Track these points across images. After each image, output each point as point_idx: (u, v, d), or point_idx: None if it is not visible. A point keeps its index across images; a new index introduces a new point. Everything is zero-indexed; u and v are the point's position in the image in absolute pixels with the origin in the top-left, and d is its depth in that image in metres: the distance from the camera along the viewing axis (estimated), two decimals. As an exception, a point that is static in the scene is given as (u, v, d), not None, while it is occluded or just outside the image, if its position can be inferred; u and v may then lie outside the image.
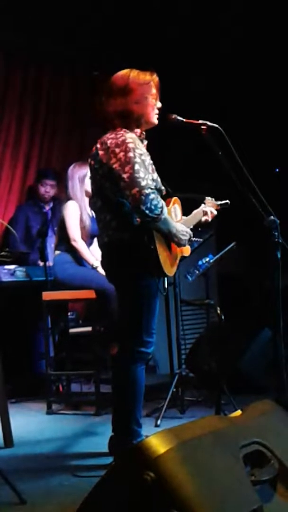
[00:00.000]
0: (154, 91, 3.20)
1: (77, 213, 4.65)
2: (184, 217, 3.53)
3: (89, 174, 4.60)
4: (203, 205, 3.60)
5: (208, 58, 6.05)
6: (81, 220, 4.66)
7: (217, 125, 3.17)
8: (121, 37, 5.70)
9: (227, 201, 3.65)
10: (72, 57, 6.06)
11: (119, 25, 5.62)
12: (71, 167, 4.75)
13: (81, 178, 4.67)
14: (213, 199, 3.71)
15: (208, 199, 3.70)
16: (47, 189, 5.52)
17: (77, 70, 6.18)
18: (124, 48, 5.67)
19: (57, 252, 4.71)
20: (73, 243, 4.63)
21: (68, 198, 4.70)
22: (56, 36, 5.65)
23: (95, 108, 5.73)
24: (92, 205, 3.37)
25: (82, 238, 4.67)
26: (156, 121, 3.25)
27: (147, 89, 3.17)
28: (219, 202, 3.71)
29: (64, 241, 4.67)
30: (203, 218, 3.54)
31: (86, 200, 4.66)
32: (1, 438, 3.62)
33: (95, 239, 4.79)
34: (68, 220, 4.64)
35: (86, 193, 4.66)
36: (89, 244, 4.74)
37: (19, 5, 5.18)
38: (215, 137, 3.14)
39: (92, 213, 4.72)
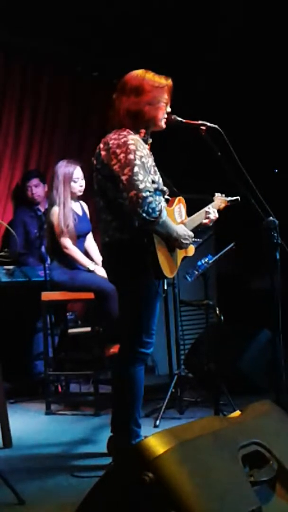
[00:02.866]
0: (166, 96, 3.20)
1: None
2: (188, 217, 3.51)
3: (79, 174, 4.62)
4: (207, 206, 3.58)
5: (208, 57, 6.05)
6: (65, 224, 4.54)
7: (216, 126, 3.17)
8: (121, 37, 5.69)
9: (238, 197, 3.61)
10: (72, 57, 6.05)
11: (119, 25, 5.62)
12: (58, 164, 4.66)
13: (66, 177, 4.59)
14: (223, 195, 3.69)
15: (218, 195, 3.68)
16: (33, 190, 5.48)
17: (77, 70, 6.17)
18: (124, 48, 5.67)
19: (51, 257, 4.68)
20: (65, 250, 4.56)
21: (53, 201, 4.60)
22: (56, 36, 5.65)
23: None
24: (95, 205, 3.37)
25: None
26: (163, 126, 3.25)
27: (160, 92, 3.17)
28: (229, 198, 3.67)
29: (56, 249, 4.61)
30: (204, 221, 3.52)
31: (68, 199, 4.58)
32: (0, 439, 3.62)
33: (89, 236, 4.78)
34: (56, 228, 4.55)
35: (72, 194, 4.61)
36: (81, 243, 4.69)
37: (19, 5, 5.18)
38: (214, 137, 3.14)
39: (79, 211, 4.69)
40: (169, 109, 3.25)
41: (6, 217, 5.65)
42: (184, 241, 3.22)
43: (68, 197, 4.58)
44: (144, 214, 2.97)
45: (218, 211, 3.62)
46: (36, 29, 5.48)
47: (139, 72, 3.21)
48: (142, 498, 1.68)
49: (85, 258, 4.62)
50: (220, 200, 3.66)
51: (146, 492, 1.67)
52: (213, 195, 3.70)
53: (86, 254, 4.74)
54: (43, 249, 4.93)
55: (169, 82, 3.22)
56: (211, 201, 3.67)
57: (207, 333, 4.94)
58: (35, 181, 5.48)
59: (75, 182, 4.60)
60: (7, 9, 5.14)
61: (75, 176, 4.60)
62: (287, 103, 5.97)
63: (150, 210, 2.97)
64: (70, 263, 4.59)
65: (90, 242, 4.84)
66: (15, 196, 5.73)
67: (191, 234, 3.29)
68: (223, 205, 3.67)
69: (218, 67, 6.12)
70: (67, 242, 4.55)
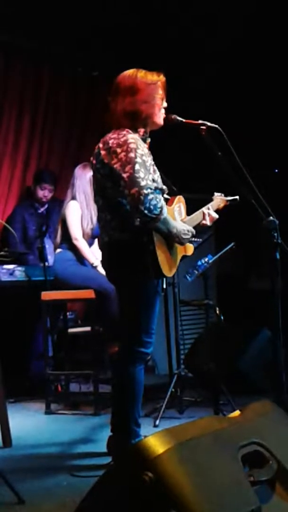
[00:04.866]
0: (161, 91, 3.21)
1: (78, 213, 4.67)
2: (188, 216, 3.52)
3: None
4: (206, 206, 3.58)
5: (207, 57, 6.05)
6: (83, 220, 4.66)
7: (216, 126, 3.17)
8: (121, 37, 5.70)
9: (237, 196, 3.63)
10: (72, 57, 6.05)
11: (119, 25, 5.62)
12: (80, 167, 4.77)
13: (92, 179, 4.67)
14: (222, 194, 3.69)
15: (217, 194, 3.69)
16: (46, 193, 5.54)
17: (77, 70, 6.17)
18: (124, 48, 5.67)
19: (59, 250, 4.73)
20: (75, 241, 4.66)
21: (73, 197, 4.70)
22: (56, 36, 5.65)
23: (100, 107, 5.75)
24: (95, 204, 3.38)
25: (84, 237, 4.68)
26: (161, 122, 3.26)
27: (154, 89, 3.18)
28: (228, 198, 3.68)
29: (66, 240, 4.69)
30: (203, 221, 3.52)
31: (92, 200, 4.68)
32: (0, 438, 3.62)
33: (96, 240, 4.83)
34: (69, 219, 4.66)
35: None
36: (90, 244, 4.75)
37: (19, 5, 5.18)
38: (215, 137, 3.14)
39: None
40: (165, 104, 3.25)
41: (6, 216, 5.66)
42: (184, 236, 3.22)
43: (91, 196, 4.66)
44: (146, 211, 2.97)
45: (218, 210, 3.63)
46: (36, 29, 5.48)
47: (130, 72, 3.22)
48: (141, 497, 1.68)
49: (90, 253, 4.70)
50: (219, 199, 3.67)
51: (145, 491, 1.67)
52: (213, 195, 3.70)
53: None
54: (45, 245, 4.97)
55: (162, 77, 3.22)
56: (211, 200, 3.67)
57: (207, 333, 4.95)
58: (49, 186, 5.53)
59: None
60: (7, 9, 5.14)
61: None
62: (287, 103, 5.97)
63: (152, 207, 2.97)
64: (78, 254, 4.67)
65: (96, 247, 4.87)
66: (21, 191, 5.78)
67: (190, 228, 3.29)
68: (222, 204, 3.68)
69: (218, 67, 6.12)
70: (78, 234, 4.64)
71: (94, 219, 4.65)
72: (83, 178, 4.69)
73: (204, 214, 3.52)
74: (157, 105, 3.21)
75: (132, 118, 3.16)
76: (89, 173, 4.66)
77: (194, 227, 3.43)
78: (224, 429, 1.94)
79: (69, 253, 4.69)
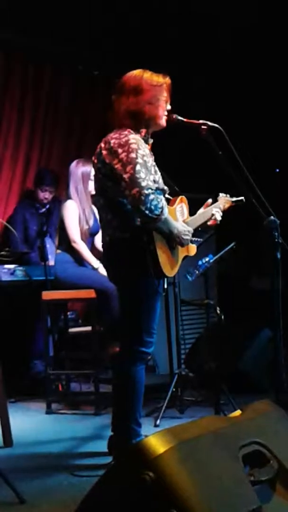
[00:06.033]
0: (165, 94, 3.21)
1: (76, 213, 4.65)
2: (190, 217, 3.51)
3: (93, 173, 4.65)
4: (213, 206, 3.57)
5: (208, 57, 6.05)
6: (80, 220, 4.65)
7: (217, 125, 3.17)
8: (121, 37, 5.70)
9: (242, 197, 3.61)
10: (72, 57, 6.05)
11: (119, 25, 5.62)
12: (74, 163, 4.75)
13: (85, 176, 4.66)
14: (228, 195, 3.68)
15: (222, 195, 3.67)
16: (46, 195, 5.53)
17: (77, 70, 6.17)
18: (124, 47, 5.68)
19: (58, 251, 4.73)
20: (73, 244, 4.64)
21: (68, 197, 4.69)
22: (56, 36, 5.65)
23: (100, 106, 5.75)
24: (95, 203, 3.37)
25: (82, 238, 4.66)
26: (164, 124, 3.25)
27: (159, 91, 3.18)
28: (234, 199, 3.66)
29: (65, 242, 4.68)
30: (209, 222, 3.51)
31: (88, 197, 4.66)
32: (1, 438, 3.62)
33: (96, 236, 4.82)
34: (67, 222, 4.63)
35: (89, 192, 4.66)
36: (89, 242, 4.74)
37: (19, 5, 5.18)
38: (216, 137, 3.14)
39: (94, 210, 4.73)
40: (169, 107, 3.25)
41: (7, 217, 5.66)
42: (185, 237, 3.22)
43: (88, 195, 4.65)
44: (146, 211, 2.97)
45: (222, 211, 3.62)
46: (37, 28, 5.49)
47: (136, 72, 3.22)
48: (142, 497, 1.69)
49: (90, 255, 4.69)
50: (224, 200, 3.65)
51: (146, 491, 1.67)
52: (217, 195, 3.69)
53: (93, 253, 4.78)
54: (46, 244, 4.97)
55: (167, 80, 3.23)
56: (215, 201, 3.66)
57: (208, 332, 4.95)
58: (50, 188, 5.53)
59: (91, 180, 4.65)
60: (8, 9, 5.15)
61: (92, 175, 4.66)
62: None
63: (153, 207, 2.97)
64: (77, 257, 4.66)
65: (98, 242, 4.87)
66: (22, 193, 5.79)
67: (191, 229, 3.29)
68: (227, 205, 3.66)
69: (218, 67, 6.12)
70: (76, 236, 4.62)
71: (89, 217, 4.63)
72: (75, 175, 4.68)
73: (212, 215, 3.50)
74: (161, 107, 3.21)
75: (134, 118, 3.16)
76: (81, 169, 4.65)
77: (198, 227, 3.43)
78: (224, 428, 1.94)
79: (68, 255, 4.68)
